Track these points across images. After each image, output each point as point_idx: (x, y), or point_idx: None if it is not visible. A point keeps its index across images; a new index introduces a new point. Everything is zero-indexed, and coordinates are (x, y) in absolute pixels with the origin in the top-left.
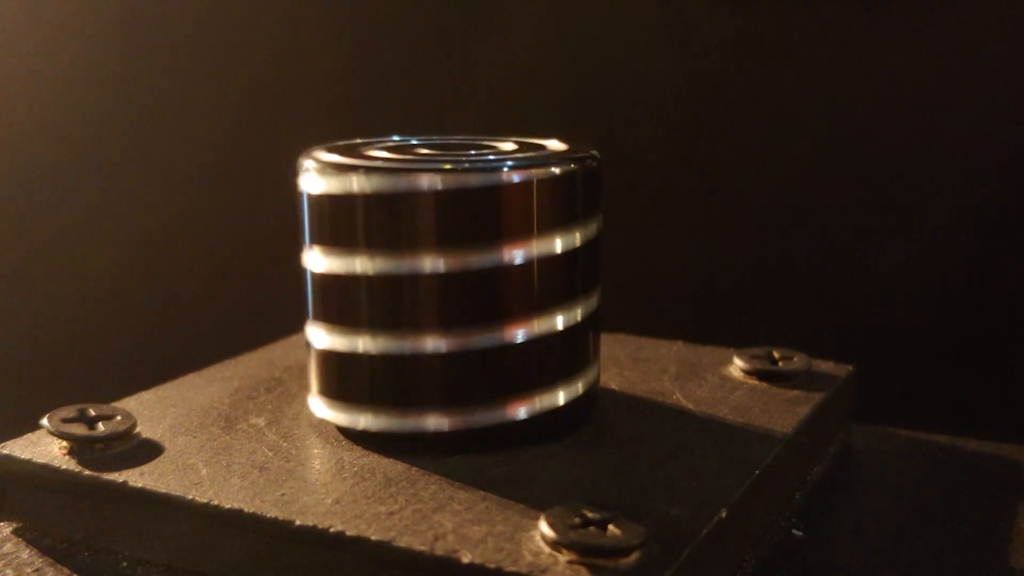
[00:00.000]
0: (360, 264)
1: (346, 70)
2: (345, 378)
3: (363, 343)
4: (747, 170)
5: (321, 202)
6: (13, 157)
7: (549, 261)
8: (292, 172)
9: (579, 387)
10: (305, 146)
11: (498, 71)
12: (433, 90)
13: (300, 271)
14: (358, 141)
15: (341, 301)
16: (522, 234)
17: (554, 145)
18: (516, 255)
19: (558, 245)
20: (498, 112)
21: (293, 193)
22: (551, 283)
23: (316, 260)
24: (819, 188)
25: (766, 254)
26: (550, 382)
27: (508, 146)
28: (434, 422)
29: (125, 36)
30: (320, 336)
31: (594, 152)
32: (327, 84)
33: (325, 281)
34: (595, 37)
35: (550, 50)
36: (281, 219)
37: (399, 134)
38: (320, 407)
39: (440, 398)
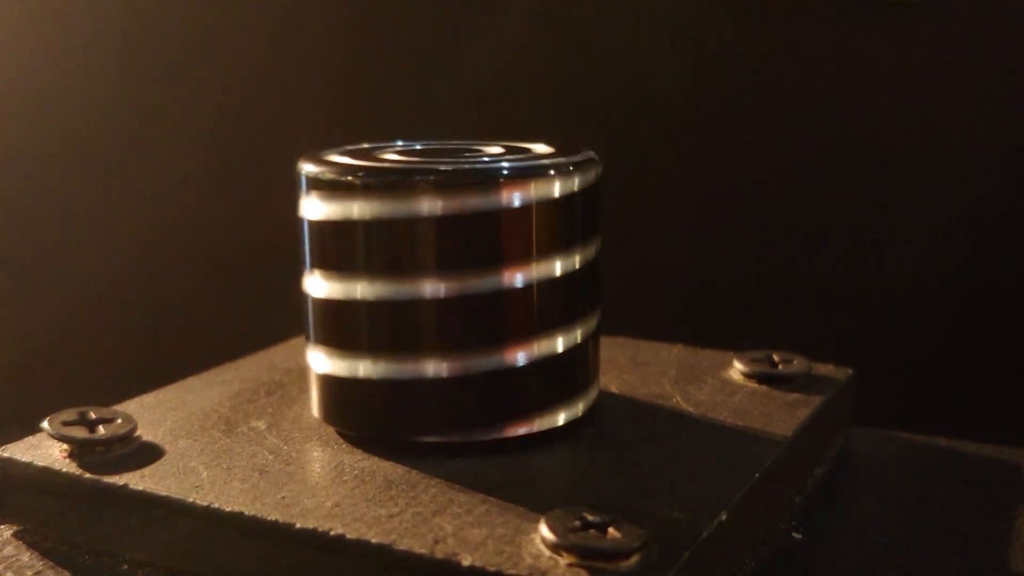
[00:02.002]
0: (360, 288)
1: (345, 72)
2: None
3: (361, 289)
4: (746, 172)
5: (322, 228)
6: (13, 158)
7: (549, 282)
8: (292, 176)
9: (579, 409)
10: (304, 148)
11: (497, 73)
12: (431, 92)
13: (301, 298)
14: (352, 148)
15: (340, 248)
16: (522, 260)
17: (538, 148)
18: (516, 278)
19: (557, 268)
20: (497, 115)
21: (293, 196)
22: (552, 302)
23: (317, 285)
24: (819, 190)
25: (766, 257)
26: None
27: (492, 149)
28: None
29: (125, 37)
30: (319, 284)
31: (593, 156)
32: (326, 86)
33: (326, 306)
34: (595, 39)
35: (550, 52)
36: (282, 222)
37: (397, 137)
38: (319, 359)
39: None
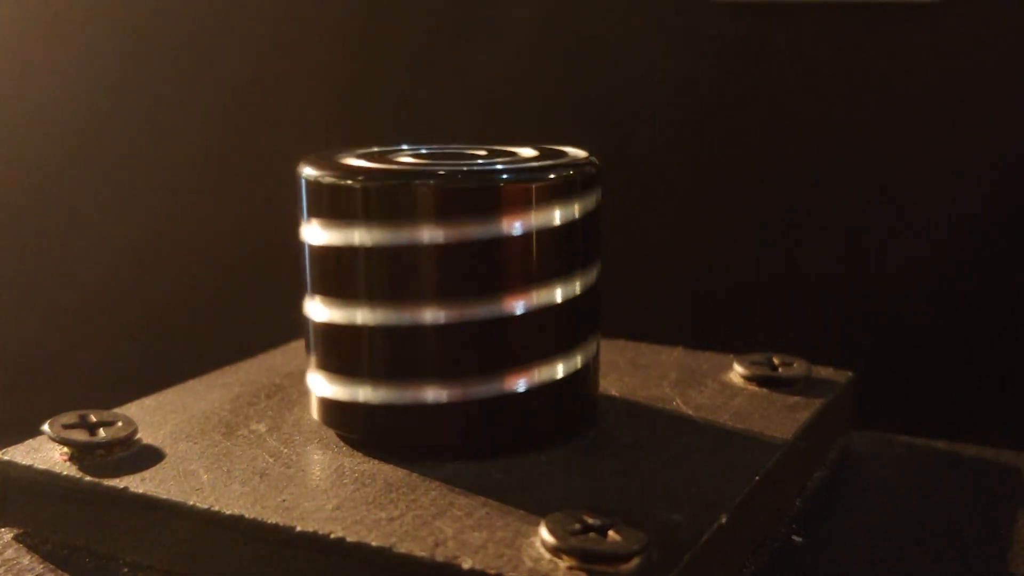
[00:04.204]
0: (361, 315)
1: (345, 73)
2: (344, 351)
3: (362, 315)
4: (746, 175)
5: (320, 190)
6: (13, 160)
7: (549, 233)
8: (293, 178)
9: (578, 361)
10: (305, 150)
11: (497, 75)
12: (431, 94)
13: (299, 246)
14: (356, 151)
15: (340, 275)
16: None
17: (553, 151)
18: (515, 227)
19: (558, 295)
20: (497, 117)
21: (294, 199)
22: (551, 330)
23: (318, 310)
24: (819, 193)
25: (766, 260)
26: (549, 354)
27: (502, 154)
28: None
29: (125, 38)
30: (319, 310)
31: (593, 160)
32: (326, 87)
33: (327, 330)
34: (595, 41)
35: (550, 54)
36: (282, 225)
37: (398, 139)
38: (319, 382)
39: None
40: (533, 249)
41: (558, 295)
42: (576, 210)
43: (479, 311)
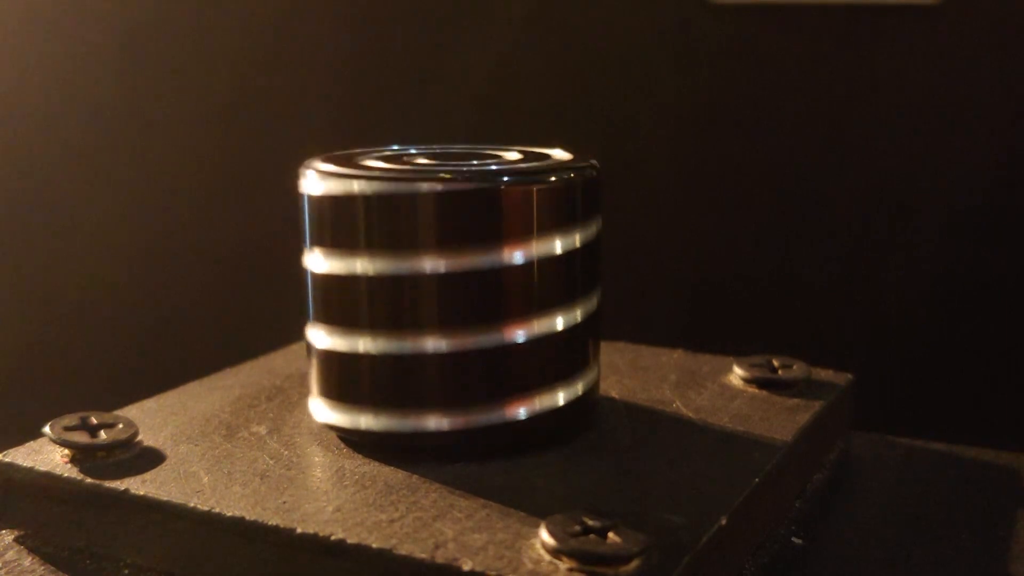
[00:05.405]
0: (360, 265)
1: (345, 77)
2: (345, 379)
3: (364, 344)
4: (746, 177)
5: (322, 204)
6: (14, 163)
7: (548, 263)
8: (293, 180)
9: (579, 388)
10: (305, 153)
11: (497, 77)
12: (431, 97)
13: (301, 275)
14: (358, 151)
15: (342, 302)
16: (522, 239)
17: (555, 154)
18: (516, 256)
19: (558, 247)
20: (498, 119)
21: (294, 201)
22: (551, 284)
23: (317, 262)
24: (819, 195)
25: (766, 261)
26: (550, 383)
27: (509, 155)
28: (434, 423)
29: (126, 41)
30: (321, 337)
31: (593, 161)
32: (327, 91)
33: (327, 282)
34: (594, 43)
35: (550, 56)
36: (283, 228)
37: (398, 142)
38: (321, 409)
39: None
40: (534, 278)
41: (557, 247)
42: (577, 240)
43: (478, 261)
